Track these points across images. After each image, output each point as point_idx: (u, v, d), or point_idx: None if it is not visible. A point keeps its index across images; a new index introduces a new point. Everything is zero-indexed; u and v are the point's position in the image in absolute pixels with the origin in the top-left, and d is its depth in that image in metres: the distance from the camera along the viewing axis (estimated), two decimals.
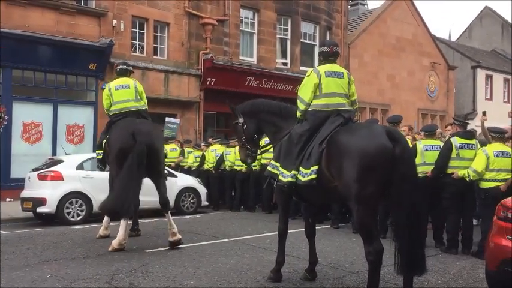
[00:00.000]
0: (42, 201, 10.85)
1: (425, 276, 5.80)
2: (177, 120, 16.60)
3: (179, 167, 14.08)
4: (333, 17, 22.86)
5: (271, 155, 6.57)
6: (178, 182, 12.42)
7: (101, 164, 8.67)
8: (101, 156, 8.51)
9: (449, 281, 6.11)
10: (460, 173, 7.63)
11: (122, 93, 8.22)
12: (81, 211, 11.06)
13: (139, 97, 8.34)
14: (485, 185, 7.42)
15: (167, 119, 15.73)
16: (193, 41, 18.45)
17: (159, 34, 17.95)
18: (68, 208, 10.91)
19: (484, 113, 9.21)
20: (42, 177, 11.09)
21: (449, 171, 7.78)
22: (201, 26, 18.56)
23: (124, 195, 7.24)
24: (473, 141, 7.96)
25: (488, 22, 38.45)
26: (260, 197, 13.10)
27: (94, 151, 14.95)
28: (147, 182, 7.94)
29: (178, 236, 7.85)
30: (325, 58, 5.71)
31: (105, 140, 8.32)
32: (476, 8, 67.14)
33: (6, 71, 14.69)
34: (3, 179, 14.61)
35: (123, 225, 7.74)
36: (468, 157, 7.72)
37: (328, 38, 21.75)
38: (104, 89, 8.75)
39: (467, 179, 7.53)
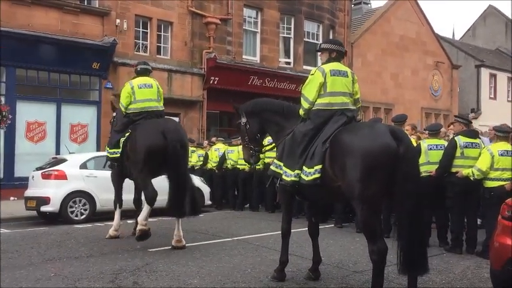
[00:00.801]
0: (46, 200, 10.87)
1: (430, 275, 5.79)
2: (175, 119, 16.59)
3: None
4: (336, 16, 22.82)
5: (274, 154, 6.56)
6: None
7: (117, 163, 8.55)
8: (118, 155, 8.39)
9: (453, 280, 6.09)
10: (465, 172, 7.60)
11: (145, 92, 8.16)
12: (85, 210, 11.09)
13: (159, 97, 8.33)
14: (489, 184, 7.39)
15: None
16: (196, 40, 18.46)
17: (162, 33, 17.96)
18: (71, 207, 10.94)
19: (472, 110, 9.18)
20: (45, 176, 11.11)
21: (454, 170, 7.76)
22: (204, 25, 18.56)
23: (180, 197, 7.36)
24: (478, 140, 7.93)
25: (492, 21, 38.34)
26: (263, 196, 13.09)
27: (98, 150, 15.09)
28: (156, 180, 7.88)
29: (183, 243, 7.82)
30: (338, 57, 5.69)
31: (123, 139, 8.20)
32: (480, 7, 67.02)
33: (9, 70, 14.73)
34: (7, 178, 14.65)
35: (145, 210, 7.65)
36: (472, 156, 7.69)
37: (331, 37, 21.71)
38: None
39: (472, 178, 7.50)
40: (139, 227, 7.62)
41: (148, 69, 8.53)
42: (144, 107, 8.09)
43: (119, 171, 8.53)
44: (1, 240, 8.44)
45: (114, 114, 9.23)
